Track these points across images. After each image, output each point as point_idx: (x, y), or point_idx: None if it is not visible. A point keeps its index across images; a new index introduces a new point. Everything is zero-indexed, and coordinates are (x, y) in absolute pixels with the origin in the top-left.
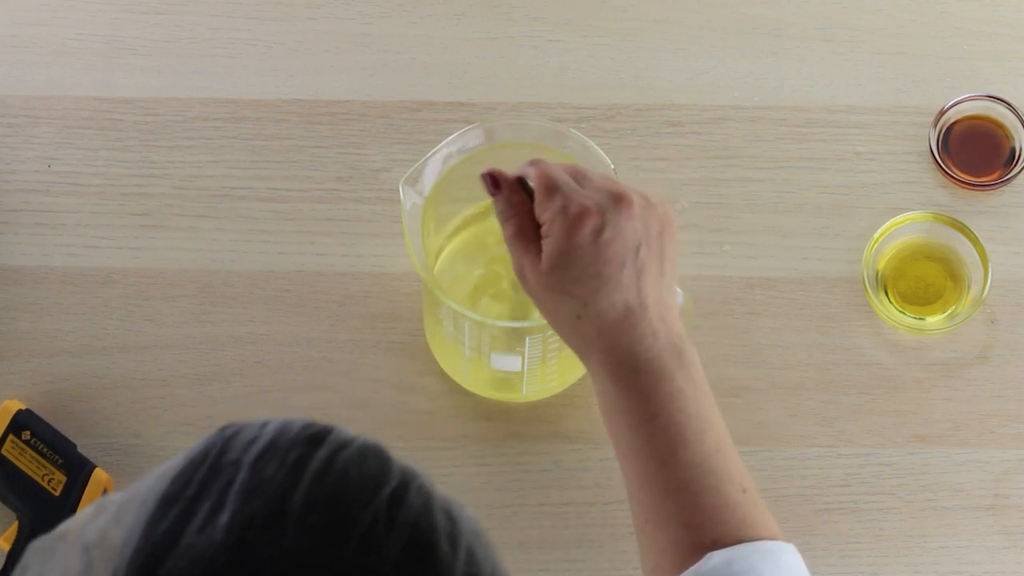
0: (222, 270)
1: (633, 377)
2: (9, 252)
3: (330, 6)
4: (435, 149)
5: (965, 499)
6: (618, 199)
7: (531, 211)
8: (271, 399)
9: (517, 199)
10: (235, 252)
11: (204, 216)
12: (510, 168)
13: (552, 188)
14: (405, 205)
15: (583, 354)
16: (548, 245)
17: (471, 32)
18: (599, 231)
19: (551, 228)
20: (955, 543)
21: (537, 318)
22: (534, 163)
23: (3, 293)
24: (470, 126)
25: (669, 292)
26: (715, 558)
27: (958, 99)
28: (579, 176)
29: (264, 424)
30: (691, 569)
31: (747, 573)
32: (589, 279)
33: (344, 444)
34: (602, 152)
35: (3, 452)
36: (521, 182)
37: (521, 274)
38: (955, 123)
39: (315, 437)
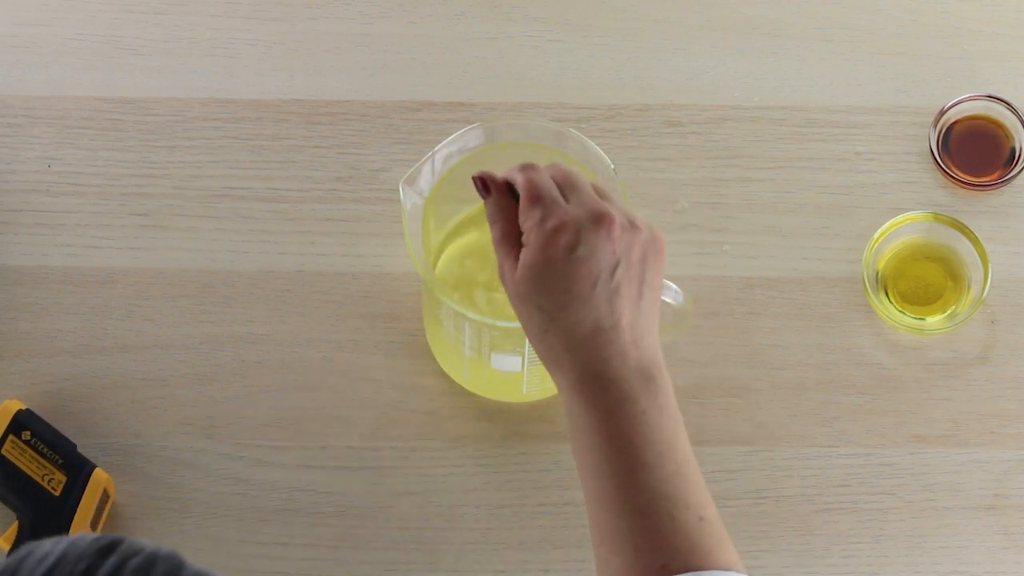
0: (222, 270)
1: (596, 395)
2: (9, 252)
3: (330, 6)
4: (435, 149)
5: (965, 499)
6: (598, 218)
7: (517, 216)
8: (271, 399)
9: (505, 203)
10: (235, 252)
11: (204, 216)
12: (508, 168)
13: (535, 198)
14: (405, 205)
15: (549, 367)
16: (523, 255)
17: (471, 32)
18: (572, 247)
19: (528, 238)
20: (955, 543)
21: None
22: (524, 169)
23: (3, 293)
24: (470, 126)
25: (648, 317)
26: None
27: (958, 99)
28: (568, 187)
29: (58, 541)
30: None
31: None
32: (559, 294)
33: (133, 553)
34: (602, 152)
35: (3, 452)
36: (510, 186)
37: (502, 278)
38: (955, 123)
39: (105, 548)
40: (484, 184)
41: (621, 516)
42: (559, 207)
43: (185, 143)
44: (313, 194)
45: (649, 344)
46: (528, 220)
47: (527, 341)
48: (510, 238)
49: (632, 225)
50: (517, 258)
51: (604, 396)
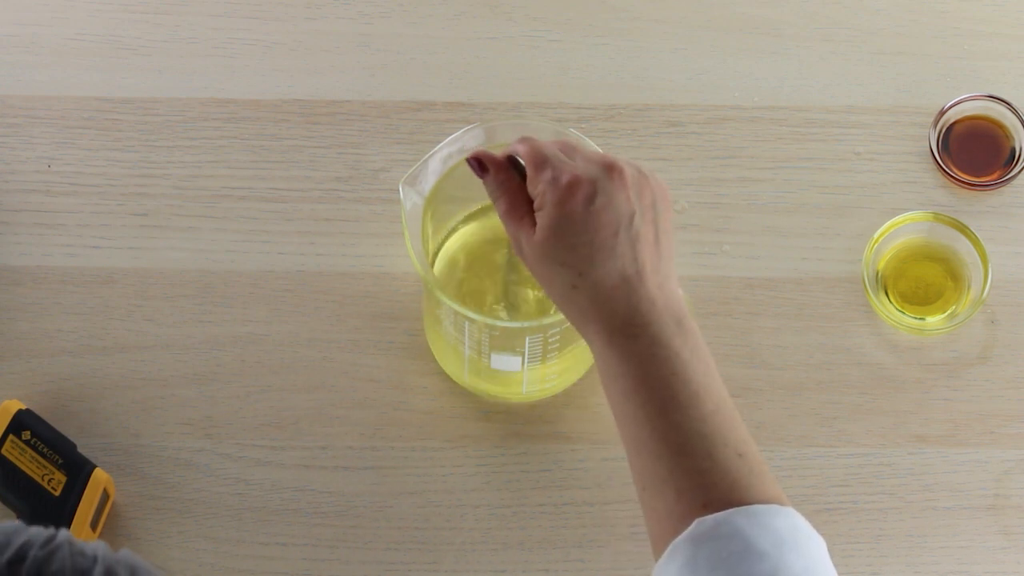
0: (222, 270)
1: (628, 342)
2: (9, 252)
3: (330, 6)
4: (435, 149)
5: (965, 499)
6: (609, 168)
7: (521, 187)
8: (271, 399)
9: (505, 177)
10: (235, 252)
11: (204, 216)
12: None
13: (541, 162)
14: (405, 205)
15: (579, 324)
16: (541, 217)
17: (471, 32)
18: (591, 199)
19: (544, 200)
20: (955, 543)
21: (538, 317)
22: (524, 140)
23: (3, 293)
24: (470, 126)
25: (667, 262)
26: (703, 524)
27: (958, 99)
28: (569, 149)
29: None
30: (681, 536)
31: (731, 537)
32: (582, 247)
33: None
34: (602, 152)
35: (3, 452)
36: (512, 161)
37: (518, 248)
38: (955, 123)
39: None
40: (480, 163)
41: (660, 459)
42: (568, 164)
43: (185, 143)
44: (313, 194)
45: (672, 289)
46: (540, 183)
47: (527, 341)
48: (518, 208)
49: (640, 173)
50: (531, 224)
51: (636, 343)
